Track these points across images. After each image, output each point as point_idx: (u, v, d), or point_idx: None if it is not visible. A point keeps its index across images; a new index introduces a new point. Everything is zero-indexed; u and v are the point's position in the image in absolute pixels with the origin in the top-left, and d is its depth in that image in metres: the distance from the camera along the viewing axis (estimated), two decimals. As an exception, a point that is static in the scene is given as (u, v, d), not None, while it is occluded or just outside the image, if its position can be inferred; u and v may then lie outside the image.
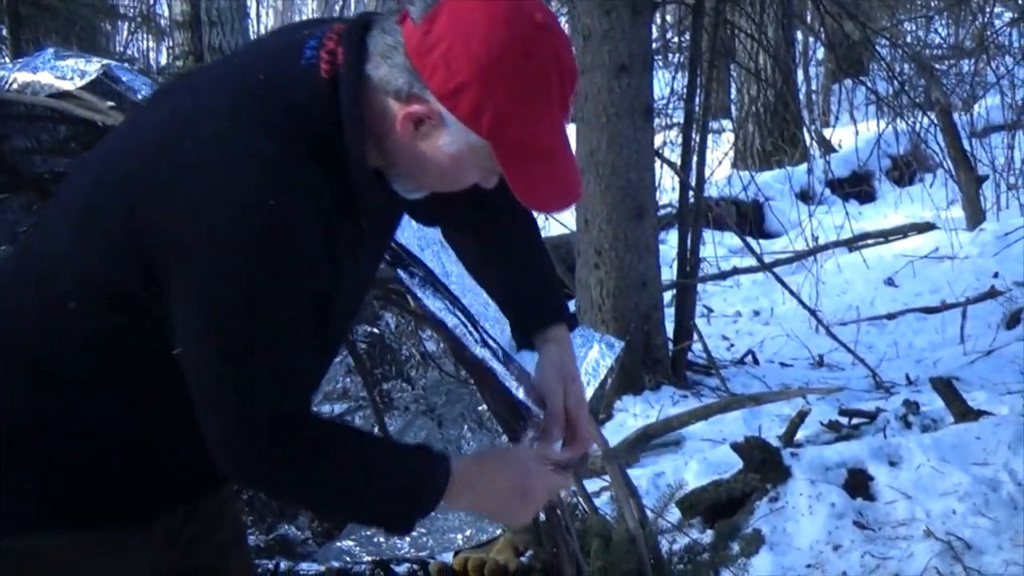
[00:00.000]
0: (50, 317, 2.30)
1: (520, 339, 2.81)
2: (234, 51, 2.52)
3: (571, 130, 7.88)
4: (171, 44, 14.53)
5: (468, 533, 3.81)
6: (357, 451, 2.33)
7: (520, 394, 2.85)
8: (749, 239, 10.71)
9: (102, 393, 2.33)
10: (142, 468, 2.41)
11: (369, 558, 4.05)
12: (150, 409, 2.36)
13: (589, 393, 3.05)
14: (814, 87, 17.50)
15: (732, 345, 10.07)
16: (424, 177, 2.30)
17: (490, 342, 2.95)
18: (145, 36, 18.48)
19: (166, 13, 15.05)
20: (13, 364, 2.34)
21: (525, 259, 2.76)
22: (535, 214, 2.73)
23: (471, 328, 2.97)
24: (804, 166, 13.72)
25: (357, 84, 2.19)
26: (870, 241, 12.20)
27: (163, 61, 16.95)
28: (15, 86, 3.28)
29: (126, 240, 2.18)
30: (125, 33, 17.75)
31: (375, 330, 3.84)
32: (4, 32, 8.63)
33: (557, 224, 11.53)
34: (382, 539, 3.93)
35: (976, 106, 14.06)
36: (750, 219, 12.78)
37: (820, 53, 17.32)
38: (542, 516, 3.13)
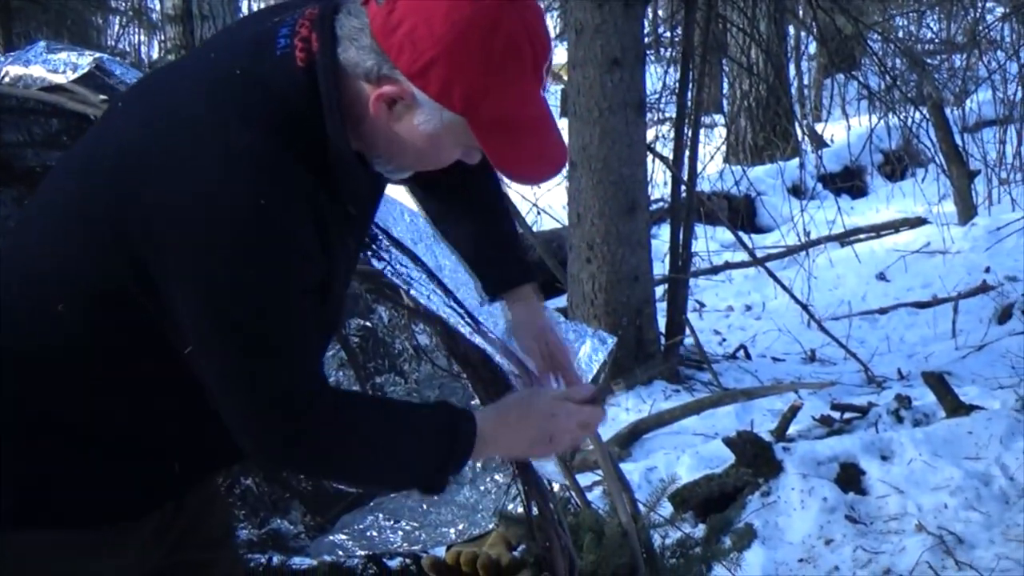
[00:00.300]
0: (37, 315, 2.29)
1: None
2: (206, 42, 2.49)
3: (563, 124, 7.90)
4: (163, 38, 14.53)
5: (461, 527, 3.81)
6: (380, 419, 2.34)
7: (519, 384, 2.87)
8: (741, 234, 10.71)
9: (90, 389, 2.32)
10: (131, 463, 2.41)
11: (362, 552, 4.05)
12: (139, 403, 2.36)
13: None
14: (806, 82, 17.52)
15: (724, 340, 10.07)
16: (403, 158, 2.30)
17: (487, 333, 2.95)
18: (137, 30, 18.46)
19: (157, 7, 15.04)
20: (1, 360, 2.33)
21: (490, 219, 2.78)
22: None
23: (466, 320, 2.98)
24: (796, 161, 13.72)
25: (333, 70, 2.19)
26: (862, 236, 12.20)
27: (155, 55, 16.93)
28: (7, 79, 3.27)
29: (112, 236, 2.17)
30: (117, 27, 17.74)
31: (368, 324, 3.84)
32: (-5, 26, 8.62)
33: (549, 218, 11.53)
34: (375, 533, 3.93)
35: (968, 101, 14.06)
36: (742, 214, 12.78)
37: (812, 48, 17.33)
38: (535, 510, 3.13)
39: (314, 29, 2.21)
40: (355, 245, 2.51)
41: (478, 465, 3.73)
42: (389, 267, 3.03)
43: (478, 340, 2.95)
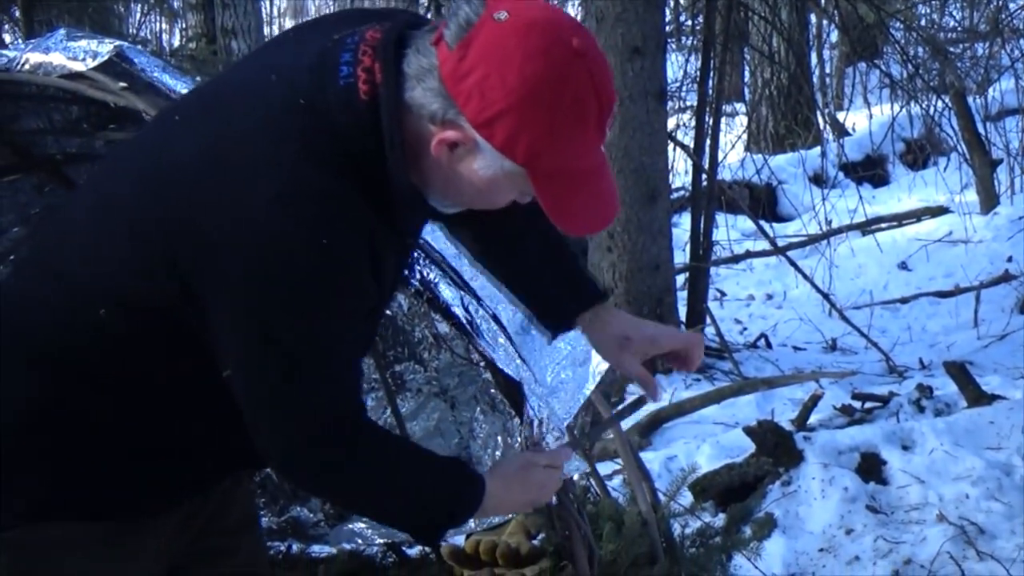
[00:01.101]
0: (71, 314, 2.30)
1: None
2: (265, 54, 2.43)
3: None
4: (184, 26, 14.50)
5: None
6: (406, 461, 2.40)
7: (524, 376, 2.86)
8: (762, 222, 10.69)
9: (121, 388, 2.33)
10: (158, 462, 2.42)
11: (381, 540, 4.04)
12: (170, 404, 2.37)
13: (598, 377, 3.07)
14: (828, 70, 17.47)
15: (745, 329, 10.06)
16: (459, 197, 2.31)
17: (489, 337, 2.95)
18: (158, 18, 18.46)
19: (179, -5, 15.02)
20: (29, 357, 2.33)
21: (551, 246, 2.75)
22: None
23: (478, 314, 2.97)
24: (817, 149, 13.70)
25: (397, 107, 2.18)
26: (883, 225, 12.17)
27: (176, 43, 16.93)
28: (27, 67, 3.26)
29: (163, 256, 2.18)
30: (138, 15, 17.72)
31: (388, 312, 3.83)
32: (17, 13, 8.61)
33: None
34: (394, 521, 3.92)
35: (990, 89, 14.02)
36: (763, 202, 12.76)
37: (834, 36, 17.27)
38: (554, 499, 3.13)
39: (377, 59, 2.20)
40: (400, 266, 2.55)
41: (497, 453, 3.73)
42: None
43: (482, 344, 2.95)
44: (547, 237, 2.73)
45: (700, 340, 2.80)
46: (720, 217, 10.75)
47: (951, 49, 14.13)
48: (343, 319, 2.20)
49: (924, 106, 12.58)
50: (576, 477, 3.54)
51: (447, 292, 3.02)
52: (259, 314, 2.15)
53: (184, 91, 3.07)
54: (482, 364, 3.45)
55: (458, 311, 2.99)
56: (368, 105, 2.18)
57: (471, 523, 3.77)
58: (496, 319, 2.97)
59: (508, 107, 2.10)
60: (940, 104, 12.31)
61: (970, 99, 12.86)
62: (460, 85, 2.12)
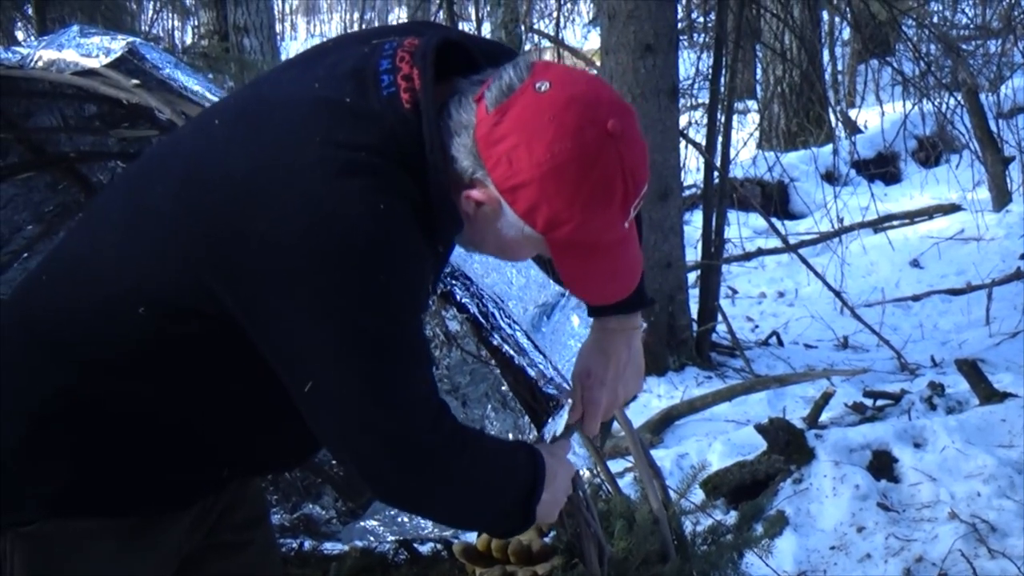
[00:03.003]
0: (105, 314, 2.29)
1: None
2: (304, 65, 2.37)
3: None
4: (196, 23, 14.54)
5: (491, 513, 3.81)
6: (486, 448, 2.36)
7: (549, 369, 2.87)
8: (774, 220, 10.68)
9: (150, 386, 2.32)
10: (183, 462, 2.42)
11: (393, 538, 4.05)
12: (198, 405, 2.36)
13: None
14: (840, 67, 17.44)
15: (756, 326, 10.06)
16: (483, 246, 2.34)
17: (505, 328, 2.95)
18: (170, 15, 18.51)
19: (191, -8, 15.05)
20: (56, 352, 2.33)
21: None
22: None
23: (492, 312, 2.97)
24: (829, 147, 13.68)
25: (437, 117, 2.19)
26: (895, 222, 12.16)
27: (188, 40, 16.96)
28: (40, 64, 3.27)
29: (214, 265, 2.16)
30: (150, 12, 17.76)
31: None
32: (30, 10, 8.64)
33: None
34: (406, 519, 3.92)
35: (1003, 87, 13.98)
36: (775, 200, 12.75)
37: (846, 33, 17.23)
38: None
39: (415, 64, 2.21)
40: (437, 275, 2.54)
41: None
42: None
43: (495, 338, 2.96)
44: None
45: (605, 411, 2.73)
46: (732, 215, 10.74)
47: (963, 46, 14.10)
48: (411, 286, 2.18)
49: (936, 103, 12.56)
50: (586, 475, 3.54)
51: (459, 289, 3.03)
52: (338, 300, 2.10)
53: (197, 87, 3.08)
54: (493, 362, 3.45)
55: (471, 305, 3.00)
56: (412, 112, 2.18)
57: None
58: (509, 315, 2.98)
59: (532, 179, 2.12)
60: (952, 101, 12.29)
61: (982, 96, 12.84)
62: (491, 149, 2.14)
